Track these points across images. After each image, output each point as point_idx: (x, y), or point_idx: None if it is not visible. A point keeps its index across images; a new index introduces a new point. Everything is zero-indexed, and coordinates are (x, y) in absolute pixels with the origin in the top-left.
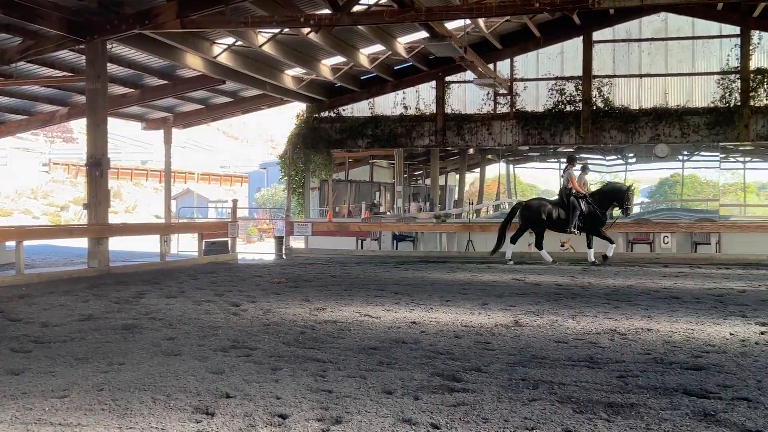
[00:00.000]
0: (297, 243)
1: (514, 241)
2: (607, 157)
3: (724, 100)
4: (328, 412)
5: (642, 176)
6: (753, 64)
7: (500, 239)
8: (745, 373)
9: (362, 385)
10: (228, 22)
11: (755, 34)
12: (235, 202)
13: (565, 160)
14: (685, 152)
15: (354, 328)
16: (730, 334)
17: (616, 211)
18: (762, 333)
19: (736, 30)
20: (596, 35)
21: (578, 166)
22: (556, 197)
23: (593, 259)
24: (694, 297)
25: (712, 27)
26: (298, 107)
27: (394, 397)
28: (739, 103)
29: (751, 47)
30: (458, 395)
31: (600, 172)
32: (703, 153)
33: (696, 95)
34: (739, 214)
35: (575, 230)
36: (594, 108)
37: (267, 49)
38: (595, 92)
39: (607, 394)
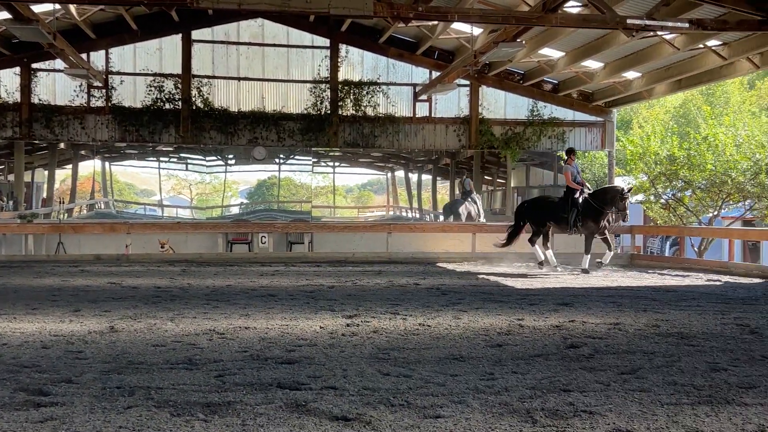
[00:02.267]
0: None
1: (545, 244)
2: (208, 158)
3: (316, 108)
4: None
5: (241, 177)
6: (341, 76)
7: (510, 241)
8: (333, 364)
9: None
10: None
11: (343, 48)
12: None
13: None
14: (282, 155)
15: None
16: (321, 327)
17: None
18: (348, 325)
19: (326, 42)
20: (195, 34)
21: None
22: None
23: (586, 267)
24: (289, 294)
25: (305, 37)
26: None
27: None
28: (329, 112)
29: (339, 60)
30: (46, 410)
31: (200, 172)
32: (297, 157)
33: (291, 102)
34: (329, 215)
35: (573, 230)
36: (194, 108)
37: None
38: (194, 92)
39: (205, 394)
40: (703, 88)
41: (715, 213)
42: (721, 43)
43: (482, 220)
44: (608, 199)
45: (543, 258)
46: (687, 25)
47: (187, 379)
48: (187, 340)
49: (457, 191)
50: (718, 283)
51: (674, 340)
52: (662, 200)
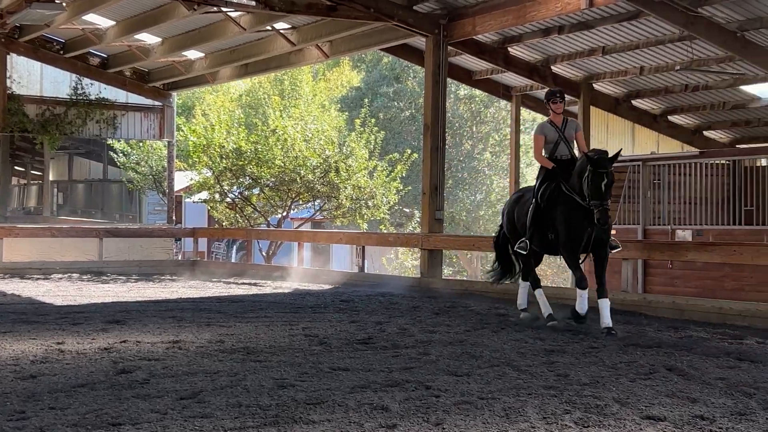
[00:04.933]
0: None
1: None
2: None
3: None
4: None
5: None
6: None
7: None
8: None
9: None
10: None
11: None
12: None
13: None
14: None
15: None
16: None
17: None
18: None
19: None
20: None
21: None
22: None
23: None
24: None
25: None
26: None
27: None
28: None
29: None
30: None
31: None
32: None
33: None
34: None
35: (522, 247)
36: None
37: None
38: None
39: None
40: (273, 75)
41: (285, 214)
42: (290, 26)
43: None
44: (579, 179)
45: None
46: (253, 3)
47: None
48: None
49: None
50: (287, 290)
51: (240, 357)
52: (228, 199)
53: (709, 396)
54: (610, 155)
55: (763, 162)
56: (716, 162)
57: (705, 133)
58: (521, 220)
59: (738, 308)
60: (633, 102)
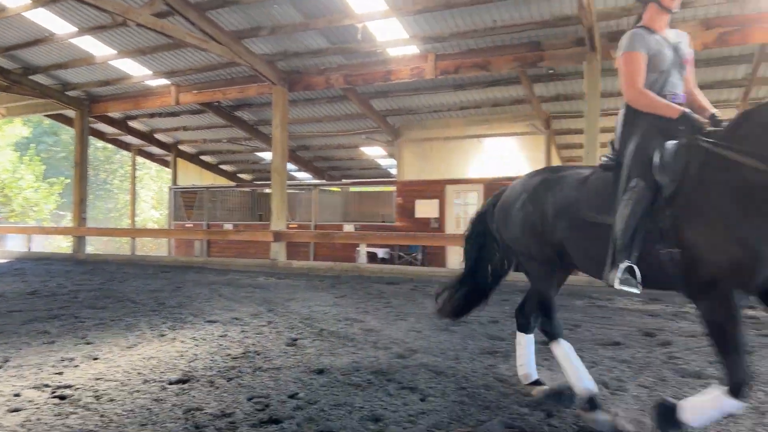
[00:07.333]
0: None
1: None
2: None
3: None
4: None
5: None
6: None
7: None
8: None
9: None
10: None
11: None
12: None
13: None
14: None
15: None
16: None
17: None
18: None
19: None
20: None
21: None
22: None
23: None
24: None
25: None
26: None
27: None
28: None
29: None
30: None
31: None
32: None
33: None
34: None
35: (628, 281)
36: None
37: None
38: None
39: None
40: None
41: None
42: None
43: None
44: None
45: (535, 371)
46: None
47: None
48: None
49: None
50: None
51: None
52: None
53: (243, 306)
54: None
55: (267, 190)
56: (244, 190)
57: (239, 174)
58: (596, 224)
59: (245, 263)
60: (201, 157)
